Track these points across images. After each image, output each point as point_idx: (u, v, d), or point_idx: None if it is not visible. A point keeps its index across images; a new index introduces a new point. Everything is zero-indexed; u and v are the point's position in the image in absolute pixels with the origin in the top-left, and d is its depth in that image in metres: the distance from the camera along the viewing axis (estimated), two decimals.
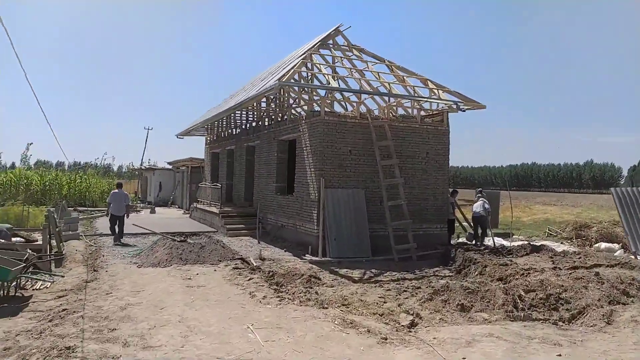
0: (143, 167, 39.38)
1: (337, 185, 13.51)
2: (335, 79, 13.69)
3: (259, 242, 14.92)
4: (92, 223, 20.90)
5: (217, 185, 19.14)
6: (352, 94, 14.97)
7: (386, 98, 15.04)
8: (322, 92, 15.85)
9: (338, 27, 16.20)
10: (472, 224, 15.57)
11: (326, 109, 13.60)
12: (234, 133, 21.91)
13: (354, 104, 14.80)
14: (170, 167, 36.03)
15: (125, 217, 14.85)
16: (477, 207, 14.84)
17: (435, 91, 14.78)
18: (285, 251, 13.52)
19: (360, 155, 13.84)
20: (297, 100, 16.22)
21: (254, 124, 19.78)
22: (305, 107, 15.05)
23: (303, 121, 14.40)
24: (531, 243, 13.12)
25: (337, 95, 16.32)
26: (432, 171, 14.90)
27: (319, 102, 14.11)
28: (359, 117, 13.86)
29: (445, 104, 14.66)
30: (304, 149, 14.25)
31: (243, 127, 20.97)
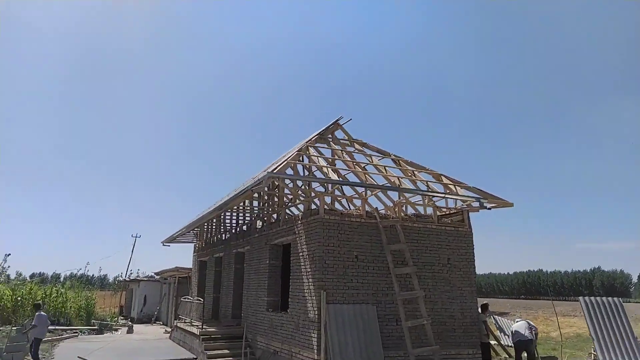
0: (128, 279, 36.27)
1: (342, 300, 10.87)
2: (336, 171, 11.70)
3: None
4: (53, 349, 17.63)
5: (198, 300, 16.32)
6: (356, 187, 12.90)
7: (396, 194, 12.92)
8: (321, 190, 13.84)
9: (337, 120, 14.68)
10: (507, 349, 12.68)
11: (326, 207, 11.41)
12: (223, 238, 19.54)
13: (357, 202, 12.68)
14: (157, 277, 33.04)
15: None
16: (521, 328, 11.95)
17: (452, 187, 12.76)
18: None
19: (368, 262, 11.39)
20: (292, 199, 14.10)
21: (244, 227, 17.50)
22: (302, 207, 12.87)
23: (299, 221, 12.15)
24: None
25: (338, 193, 14.24)
26: (455, 281, 12.31)
27: (316, 198, 11.98)
28: (364, 216, 11.63)
29: (466, 202, 12.54)
30: (300, 254, 11.82)
31: (233, 231, 18.67)
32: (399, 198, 12.54)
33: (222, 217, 18.82)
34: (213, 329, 15.35)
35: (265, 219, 15.33)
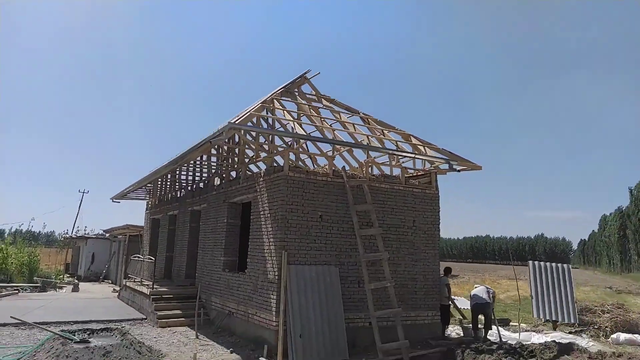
0: (75, 235, 34.56)
1: (304, 261, 10.38)
2: (301, 127, 10.97)
3: (197, 337, 11.24)
4: None
5: (150, 259, 15.48)
6: (322, 145, 12.25)
7: (363, 154, 12.37)
8: (285, 146, 13.10)
9: (305, 73, 13.80)
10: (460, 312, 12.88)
11: (290, 164, 10.73)
12: (178, 196, 18.55)
13: (322, 162, 12.09)
14: (106, 235, 31.62)
15: None
16: (480, 292, 11.95)
17: (421, 148, 12.35)
18: (231, 352, 9.95)
19: (333, 222, 10.89)
20: (254, 155, 13.27)
21: (201, 185, 16.60)
22: (265, 164, 12.13)
23: (261, 179, 11.43)
24: (556, 341, 10.19)
25: (302, 151, 13.52)
26: (420, 244, 12.07)
27: (281, 153, 11.24)
28: (331, 175, 11.05)
29: (434, 164, 12.18)
30: (261, 213, 11.17)
31: (189, 189, 17.72)
32: (367, 157, 12.01)
33: (177, 173, 17.78)
34: (165, 289, 14.62)
35: (224, 176, 14.49)
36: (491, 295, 11.96)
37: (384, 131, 12.76)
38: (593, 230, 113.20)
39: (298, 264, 10.27)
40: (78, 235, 34.37)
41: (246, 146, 13.27)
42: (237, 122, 9.24)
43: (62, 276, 29.17)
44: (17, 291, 20.66)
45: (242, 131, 12.41)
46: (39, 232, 63.64)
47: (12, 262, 28.64)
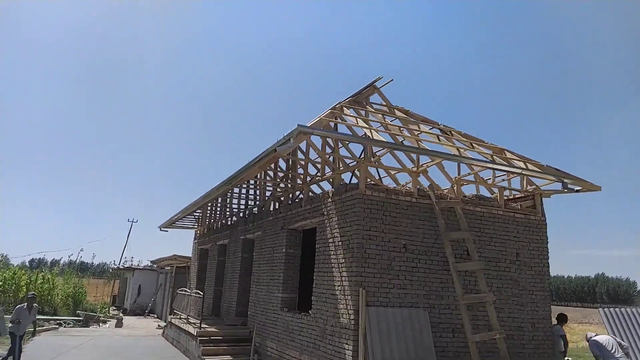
0: (122, 266, 33.74)
1: (385, 301, 8.26)
2: (380, 134, 9.03)
3: None
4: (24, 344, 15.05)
5: (198, 293, 13.75)
6: (406, 159, 10.21)
7: (452, 171, 10.26)
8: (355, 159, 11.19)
9: (374, 81, 11.96)
10: None
11: (368, 180, 8.78)
12: (229, 223, 16.93)
13: (401, 180, 10.06)
14: (153, 266, 30.51)
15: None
16: (608, 343, 9.22)
17: (520, 164, 10.10)
18: None
19: (419, 253, 8.76)
20: (320, 170, 11.34)
21: (255, 210, 14.89)
22: (332, 183, 10.22)
23: (329, 199, 9.53)
24: None
25: (380, 164, 11.44)
26: (525, 283, 9.67)
27: (356, 167, 9.29)
28: (416, 195, 8.99)
29: (534, 183, 9.90)
30: (330, 241, 9.20)
31: (241, 215, 16.07)
32: (458, 174, 9.88)
33: (228, 198, 16.24)
34: (213, 329, 12.75)
35: (282, 199, 12.71)
36: (625, 349, 9.25)
37: (473, 144, 10.64)
38: None
39: (379, 306, 8.16)
40: (125, 266, 33.51)
41: (310, 162, 11.46)
42: (309, 124, 7.43)
43: (107, 309, 28.07)
44: (58, 326, 19.47)
45: (306, 142, 10.68)
46: (91, 263, 64.00)
47: (57, 294, 27.91)
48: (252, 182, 14.29)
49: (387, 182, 11.40)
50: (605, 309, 12.23)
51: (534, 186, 10.44)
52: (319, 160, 11.63)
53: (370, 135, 8.80)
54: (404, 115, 11.52)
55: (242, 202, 15.97)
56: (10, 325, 9.94)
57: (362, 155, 9.74)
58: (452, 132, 11.23)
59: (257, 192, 14.86)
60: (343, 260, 8.61)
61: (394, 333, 8.01)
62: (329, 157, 10.35)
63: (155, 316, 27.13)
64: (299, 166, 12.31)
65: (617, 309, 12.33)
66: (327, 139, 10.30)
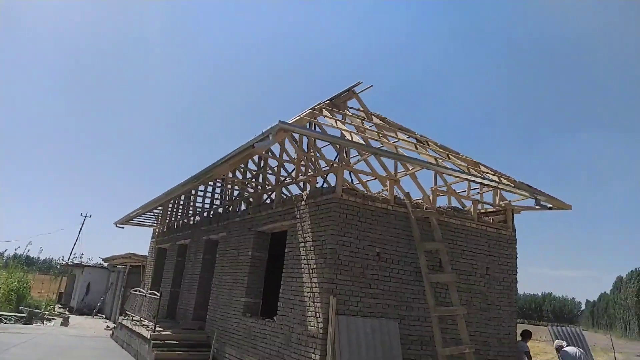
0: (71, 263, 32.09)
1: (356, 311, 8.00)
2: (363, 139, 8.80)
3: None
4: None
5: (154, 294, 13.04)
6: (378, 165, 10.02)
7: (429, 181, 10.15)
8: (329, 164, 10.90)
9: (353, 86, 11.75)
10: None
11: (344, 185, 8.53)
12: (191, 222, 16.29)
13: (374, 189, 9.87)
14: (105, 264, 29.14)
15: None
16: (576, 356, 9.24)
17: (494, 178, 10.11)
18: None
19: (392, 262, 8.57)
20: (295, 171, 10.97)
21: (220, 210, 14.36)
22: (309, 184, 9.90)
23: (302, 202, 9.20)
24: None
25: (356, 171, 11.20)
26: (494, 297, 9.64)
27: (333, 170, 8.99)
28: (392, 203, 8.80)
29: (517, 198, 9.93)
30: (301, 246, 8.87)
31: (205, 214, 15.47)
32: (434, 185, 9.77)
33: (192, 196, 15.64)
34: (169, 332, 12.11)
35: (251, 200, 12.28)
36: None
37: (449, 155, 10.59)
38: (604, 292, 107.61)
39: (349, 315, 7.88)
40: (74, 262, 31.89)
41: (282, 164, 11.11)
42: (290, 121, 7.11)
43: (52, 307, 26.54)
44: None
45: (278, 144, 10.36)
46: (38, 257, 60.68)
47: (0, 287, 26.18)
48: (218, 181, 13.78)
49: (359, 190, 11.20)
50: (554, 327, 12.28)
51: (506, 201, 10.48)
52: (288, 161, 11.30)
53: (350, 138, 8.56)
54: (382, 122, 11.37)
55: (207, 201, 15.39)
56: None
57: (337, 159, 9.48)
58: (429, 142, 11.16)
59: (224, 191, 14.34)
60: (314, 266, 8.29)
61: (363, 343, 7.74)
62: (305, 158, 10.01)
63: (104, 316, 25.86)
64: (268, 168, 11.95)
65: (563, 328, 12.36)
66: (304, 139, 9.99)
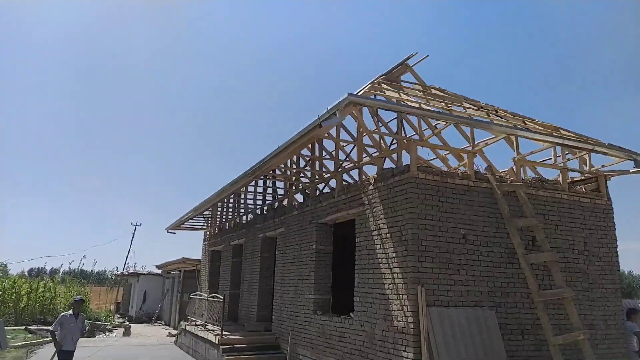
0: (126, 272, 32.52)
1: (447, 301, 7.14)
2: (431, 107, 7.88)
3: None
4: (29, 356, 13.86)
5: (217, 297, 12.58)
6: (462, 128, 9.01)
7: (507, 153, 9.12)
8: (414, 137, 10.02)
9: (407, 59, 10.73)
10: None
11: (419, 164, 7.66)
12: (244, 221, 15.78)
13: (453, 164, 8.94)
14: (159, 271, 29.31)
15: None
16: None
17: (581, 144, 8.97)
18: None
19: (480, 245, 7.65)
20: (357, 154, 10.12)
21: (275, 205, 13.74)
22: (375, 166, 9.08)
23: (370, 186, 8.40)
24: None
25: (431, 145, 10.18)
26: (595, 276, 8.56)
27: (406, 147, 8.11)
28: (474, 178, 7.87)
29: (610, 162, 8.78)
30: (375, 234, 8.07)
31: (258, 212, 14.91)
32: (517, 154, 8.72)
33: (243, 194, 15.09)
34: (236, 336, 11.61)
35: (308, 190, 11.57)
36: None
37: (525, 121, 9.53)
38: None
39: (440, 306, 7.03)
40: (129, 272, 32.30)
41: (340, 148, 10.32)
42: (360, 93, 6.31)
43: (112, 317, 26.88)
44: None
45: (335, 127, 9.59)
46: (91, 270, 62.50)
47: (60, 303, 26.69)
48: (268, 175, 13.14)
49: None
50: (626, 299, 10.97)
51: (597, 167, 9.33)
52: (346, 144, 10.50)
53: (420, 106, 7.66)
54: (444, 94, 10.41)
55: (259, 197, 14.80)
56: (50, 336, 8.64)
57: (402, 134, 8.61)
58: (498, 110, 10.14)
59: (276, 184, 13.70)
60: (394, 255, 7.48)
61: (460, 337, 6.88)
62: (374, 136, 9.14)
63: (163, 323, 25.94)
64: (324, 153, 11.18)
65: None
66: (367, 118, 9.17)
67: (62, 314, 9.08)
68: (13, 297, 25.45)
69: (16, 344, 15.22)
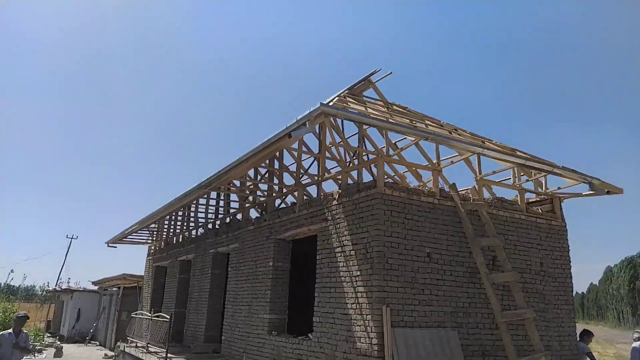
0: (58, 288, 30.31)
1: (411, 321, 6.95)
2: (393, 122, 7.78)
3: None
4: None
5: (163, 317, 11.77)
6: (442, 144, 8.93)
7: (468, 173, 9.20)
8: (376, 153, 9.84)
9: (370, 75, 10.73)
10: None
11: (386, 178, 7.51)
12: (194, 236, 15.05)
13: (410, 181, 8.87)
14: (95, 288, 27.50)
15: None
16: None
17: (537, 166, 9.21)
18: None
19: (444, 264, 7.55)
20: (320, 171, 9.86)
21: (228, 219, 13.17)
22: (339, 182, 8.84)
23: (334, 202, 8.14)
24: None
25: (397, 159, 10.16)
26: (551, 296, 8.68)
27: (372, 162, 7.94)
28: (438, 196, 7.81)
29: (572, 182, 9.04)
30: (337, 251, 7.80)
31: (210, 226, 14.25)
32: (479, 173, 8.77)
33: (193, 207, 14.39)
34: (182, 359, 10.86)
35: (265, 204, 11.15)
36: None
37: (484, 141, 9.67)
38: (592, 283, 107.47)
39: (405, 327, 6.82)
40: (62, 287, 30.14)
41: (300, 162, 10.03)
42: (331, 103, 6.07)
43: (41, 336, 24.83)
44: None
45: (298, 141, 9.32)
46: (19, 285, 57.99)
47: None
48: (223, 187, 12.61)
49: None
50: None
51: (552, 189, 9.58)
52: (307, 158, 10.25)
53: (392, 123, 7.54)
54: (405, 111, 10.42)
55: (211, 210, 14.16)
56: None
57: (362, 151, 8.46)
58: (457, 129, 10.26)
59: (230, 198, 13.16)
60: (358, 273, 7.23)
61: (424, 358, 6.68)
62: (341, 149, 8.94)
63: (98, 344, 24.26)
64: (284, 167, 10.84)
65: None
66: (331, 131, 8.95)
67: (0, 333, 8.16)
68: None
69: None
